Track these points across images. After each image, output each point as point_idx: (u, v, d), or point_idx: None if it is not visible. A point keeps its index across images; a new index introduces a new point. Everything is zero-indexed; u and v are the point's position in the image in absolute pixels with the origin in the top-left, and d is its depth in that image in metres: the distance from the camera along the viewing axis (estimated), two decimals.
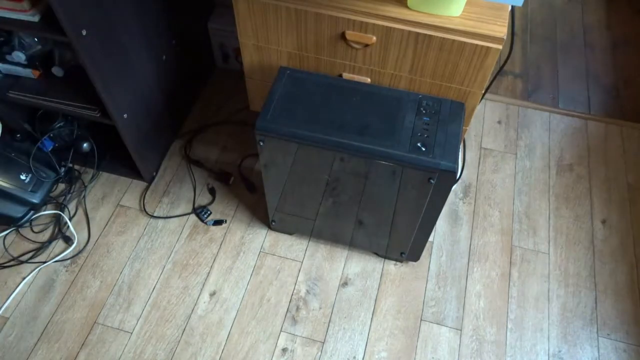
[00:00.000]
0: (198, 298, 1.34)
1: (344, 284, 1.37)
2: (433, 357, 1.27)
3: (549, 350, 1.28)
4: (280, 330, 1.30)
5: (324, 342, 1.28)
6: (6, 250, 1.41)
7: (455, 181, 1.04)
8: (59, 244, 1.43)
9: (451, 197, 1.53)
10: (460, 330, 1.31)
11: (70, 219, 1.47)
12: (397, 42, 1.03)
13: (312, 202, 1.24)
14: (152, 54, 1.37)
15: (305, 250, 1.42)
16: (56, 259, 1.40)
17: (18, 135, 1.48)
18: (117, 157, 1.56)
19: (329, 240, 1.43)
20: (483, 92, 1.09)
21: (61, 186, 1.53)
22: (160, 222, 1.47)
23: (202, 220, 1.47)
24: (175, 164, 1.59)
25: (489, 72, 1.03)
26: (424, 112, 1.04)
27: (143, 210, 1.49)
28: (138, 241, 1.43)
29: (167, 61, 1.46)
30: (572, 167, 1.62)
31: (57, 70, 1.30)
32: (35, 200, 1.41)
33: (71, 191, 1.52)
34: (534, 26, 2.03)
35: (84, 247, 1.42)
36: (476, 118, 1.73)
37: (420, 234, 1.23)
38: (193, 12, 1.57)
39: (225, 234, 1.45)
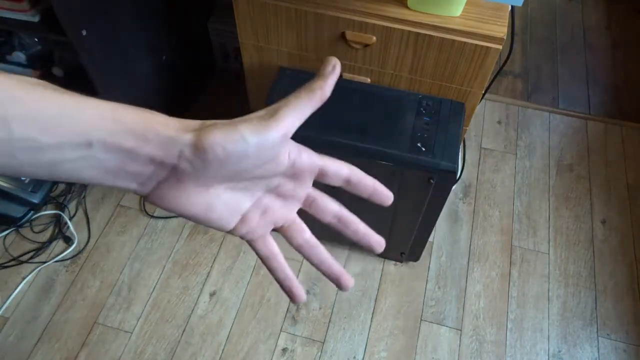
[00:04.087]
0: (198, 298, 1.34)
1: None
2: (433, 357, 1.27)
3: (549, 350, 1.28)
4: (280, 330, 1.30)
5: (324, 342, 1.28)
6: (6, 250, 1.41)
7: (455, 181, 1.04)
8: (59, 244, 1.43)
9: (451, 197, 1.53)
10: (460, 330, 1.31)
11: (70, 219, 1.47)
12: (397, 42, 1.03)
13: None
14: (152, 54, 1.37)
15: None
16: (56, 259, 1.40)
17: None
18: None
19: (329, 240, 1.43)
20: (483, 92, 1.09)
21: (61, 186, 1.53)
22: (161, 222, 1.47)
23: None
24: None
25: (489, 72, 1.03)
26: (424, 112, 1.04)
27: (143, 210, 1.49)
28: (138, 241, 1.43)
29: (167, 61, 1.46)
30: (572, 167, 1.62)
31: (57, 70, 1.30)
32: (35, 200, 1.41)
33: (71, 191, 1.52)
34: (534, 26, 2.03)
35: (84, 247, 1.42)
36: (476, 118, 1.73)
37: (420, 234, 1.23)
38: (193, 12, 1.57)
39: (226, 234, 1.45)
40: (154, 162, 0.28)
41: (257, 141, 0.28)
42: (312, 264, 0.36)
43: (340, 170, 0.34)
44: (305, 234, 0.36)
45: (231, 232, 0.33)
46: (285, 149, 0.30)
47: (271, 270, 0.36)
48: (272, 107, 0.30)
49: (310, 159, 0.32)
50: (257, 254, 0.36)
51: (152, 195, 0.30)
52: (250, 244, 0.35)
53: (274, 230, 0.36)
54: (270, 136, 0.28)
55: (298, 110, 0.30)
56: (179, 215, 0.31)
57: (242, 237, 0.34)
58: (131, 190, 0.29)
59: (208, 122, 0.29)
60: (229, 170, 0.29)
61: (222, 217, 0.32)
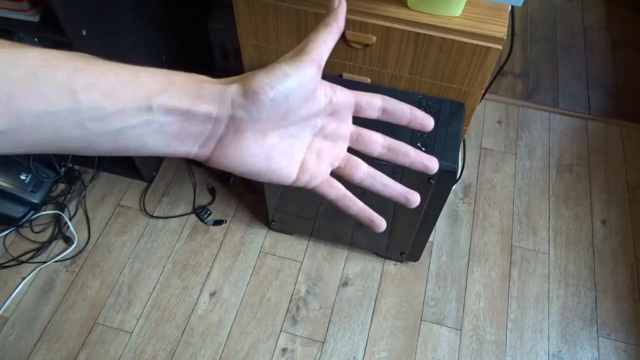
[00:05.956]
0: (198, 298, 1.34)
1: (344, 284, 1.37)
2: (433, 357, 1.27)
3: (549, 350, 1.28)
4: (280, 330, 1.30)
5: (324, 342, 1.28)
6: (6, 250, 1.41)
7: (455, 181, 1.04)
8: (59, 244, 1.43)
9: (451, 197, 1.53)
10: (460, 330, 1.31)
11: (70, 219, 1.47)
12: (397, 42, 1.03)
13: (312, 202, 1.24)
14: (152, 54, 1.37)
15: (305, 250, 1.42)
16: (56, 259, 1.40)
17: None
18: (117, 157, 1.56)
19: (329, 240, 1.43)
20: (483, 92, 1.09)
21: (61, 186, 1.53)
22: (161, 222, 1.47)
23: (202, 220, 1.47)
24: (175, 164, 1.59)
25: (489, 72, 1.03)
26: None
27: (143, 210, 1.49)
28: (138, 241, 1.44)
29: (167, 61, 1.46)
30: (572, 167, 1.62)
31: None
32: (35, 200, 1.41)
33: (71, 191, 1.52)
34: (534, 26, 2.03)
35: (84, 247, 1.42)
36: (476, 118, 1.73)
37: (420, 234, 1.23)
38: (193, 12, 1.57)
39: (225, 234, 1.45)
40: (211, 118, 0.30)
41: (297, 74, 0.30)
42: (377, 191, 0.39)
43: (374, 100, 0.36)
44: (362, 167, 0.38)
45: (295, 182, 0.36)
46: (321, 85, 0.33)
47: (345, 208, 0.38)
48: (298, 47, 0.33)
49: (345, 93, 0.35)
50: (327, 197, 0.38)
51: (215, 155, 0.32)
52: (318, 190, 0.37)
53: (334, 174, 0.38)
54: (307, 68, 0.31)
55: (322, 43, 0.33)
56: (243, 173, 0.33)
57: (306, 186, 0.37)
58: (193, 155, 0.31)
59: (247, 72, 0.31)
60: (280, 110, 0.31)
61: (283, 166, 0.34)
